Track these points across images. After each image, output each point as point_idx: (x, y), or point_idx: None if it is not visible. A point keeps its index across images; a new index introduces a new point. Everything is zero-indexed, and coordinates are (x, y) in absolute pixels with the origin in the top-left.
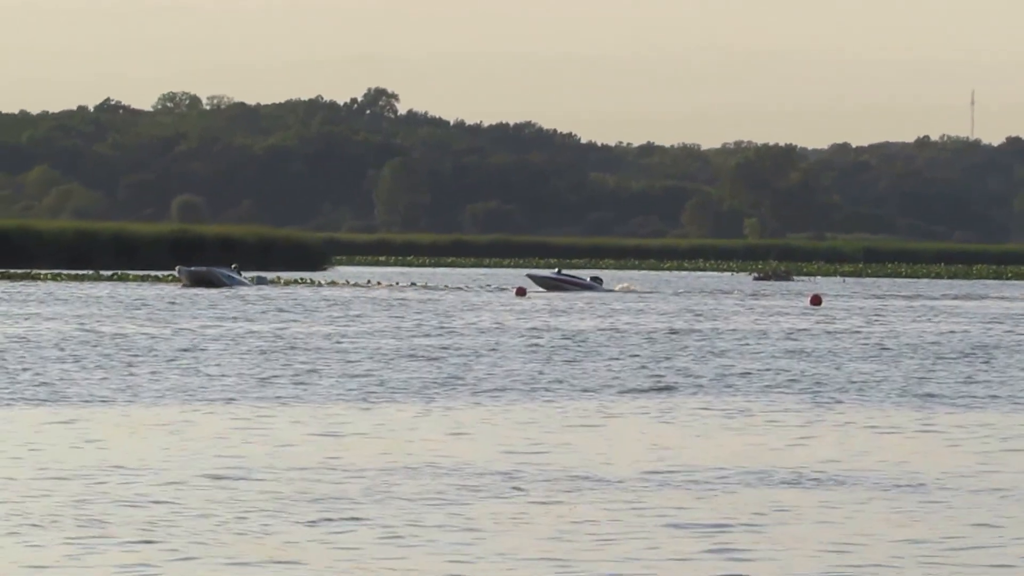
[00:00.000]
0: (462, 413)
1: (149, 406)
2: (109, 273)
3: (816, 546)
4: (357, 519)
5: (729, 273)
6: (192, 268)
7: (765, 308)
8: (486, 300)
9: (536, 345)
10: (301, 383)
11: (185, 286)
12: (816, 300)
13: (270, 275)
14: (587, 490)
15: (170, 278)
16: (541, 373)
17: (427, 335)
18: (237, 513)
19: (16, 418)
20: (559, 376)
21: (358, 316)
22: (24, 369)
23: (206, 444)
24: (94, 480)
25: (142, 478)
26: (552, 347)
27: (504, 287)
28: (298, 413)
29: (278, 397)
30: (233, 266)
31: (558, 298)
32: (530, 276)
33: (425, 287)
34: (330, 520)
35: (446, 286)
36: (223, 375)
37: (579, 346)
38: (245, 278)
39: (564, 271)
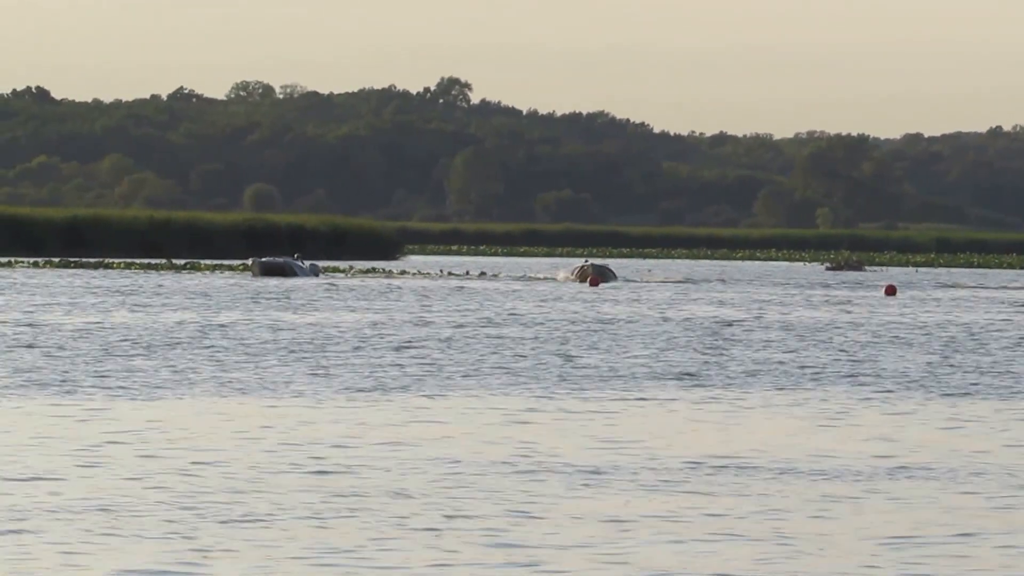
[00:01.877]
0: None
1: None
2: (182, 262)
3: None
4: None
5: (801, 263)
6: (265, 259)
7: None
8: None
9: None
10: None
11: (255, 276)
12: (891, 290)
13: (323, 263)
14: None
15: (241, 267)
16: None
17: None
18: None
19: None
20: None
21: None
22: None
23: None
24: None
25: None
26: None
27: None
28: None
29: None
30: (296, 255)
31: (647, 289)
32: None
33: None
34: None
35: (526, 274)
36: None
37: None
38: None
39: (589, 259)
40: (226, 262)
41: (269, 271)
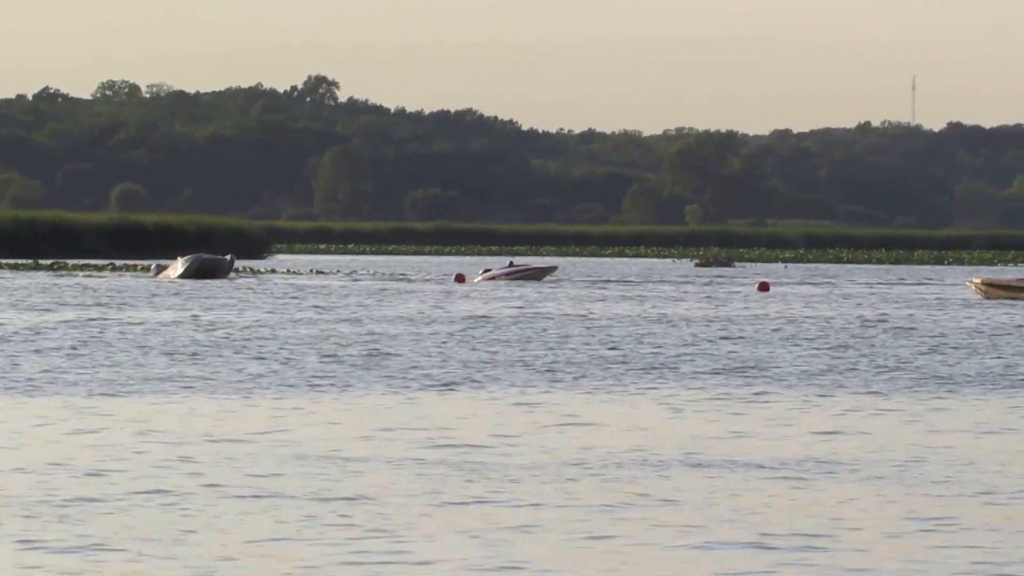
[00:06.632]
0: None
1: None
2: (49, 262)
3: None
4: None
5: (670, 260)
6: (207, 256)
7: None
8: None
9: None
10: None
11: (184, 276)
12: (764, 287)
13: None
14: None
15: (142, 267)
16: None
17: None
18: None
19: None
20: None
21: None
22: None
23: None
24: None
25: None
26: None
27: (441, 276)
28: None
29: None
30: (188, 257)
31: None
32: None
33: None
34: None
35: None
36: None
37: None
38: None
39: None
40: (93, 262)
41: (205, 271)
